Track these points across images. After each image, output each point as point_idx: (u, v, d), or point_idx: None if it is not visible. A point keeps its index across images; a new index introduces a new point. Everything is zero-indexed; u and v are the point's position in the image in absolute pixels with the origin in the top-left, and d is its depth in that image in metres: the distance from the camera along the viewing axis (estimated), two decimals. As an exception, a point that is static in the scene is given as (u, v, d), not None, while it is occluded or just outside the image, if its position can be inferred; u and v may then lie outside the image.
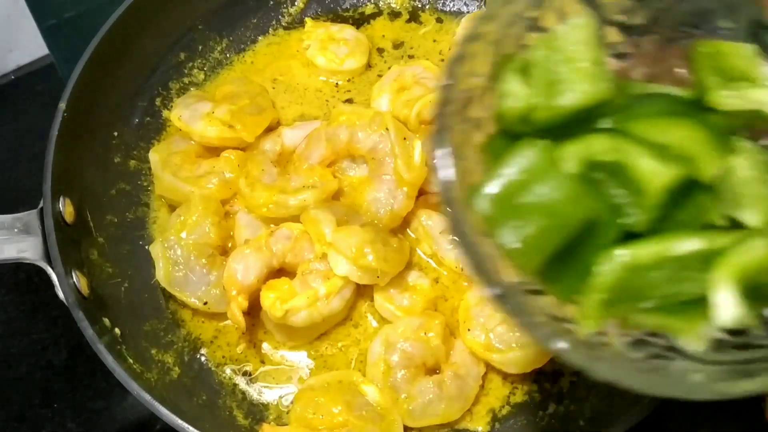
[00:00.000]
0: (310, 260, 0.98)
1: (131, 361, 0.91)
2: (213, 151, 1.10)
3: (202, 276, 0.99)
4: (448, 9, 1.31)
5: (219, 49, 1.26)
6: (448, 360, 0.96)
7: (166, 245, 0.99)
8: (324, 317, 0.96)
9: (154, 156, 1.08)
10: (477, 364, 0.96)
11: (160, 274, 0.99)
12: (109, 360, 0.86)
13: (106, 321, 0.93)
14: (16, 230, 0.94)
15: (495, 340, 0.94)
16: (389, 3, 1.31)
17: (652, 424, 0.83)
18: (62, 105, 0.99)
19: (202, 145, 1.10)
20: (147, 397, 0.84)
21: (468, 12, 1.30)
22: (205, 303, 0.99)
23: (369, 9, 1.32)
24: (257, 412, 0.98)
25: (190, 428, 0.83)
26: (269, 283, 0.97)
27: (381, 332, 0.97)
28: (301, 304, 0.94)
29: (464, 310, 0.97)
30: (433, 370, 0.96)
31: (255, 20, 1.28)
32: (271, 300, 0.94)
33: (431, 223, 1.04)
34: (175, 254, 0.99)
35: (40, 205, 0.94)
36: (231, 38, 1.27)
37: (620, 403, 0.89)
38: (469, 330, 0.95)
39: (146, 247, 1.06)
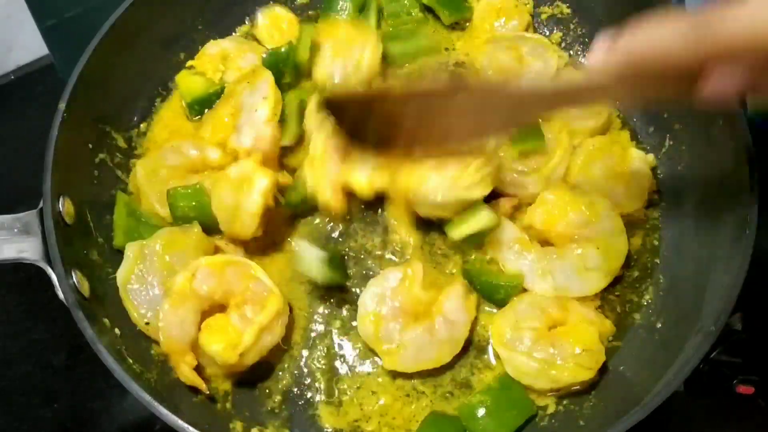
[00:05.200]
0: (239, 291, 0.95)
1: (131, 361, 0.91)
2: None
3: (156, 299, 0.96)
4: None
5: (219, 48, 1.26)
6: (438, 307, 0.97)
7: (145, 251, 0.97)
8: (269, 348, 0.95)
9: (140, 170, 1.07)
10: (466, 311, 0.98)
11: (121, 273, 0.97)
12: (109, 360, 0.86)
13: (106, 321, 0.93)
14: (15, 230, 0.93)
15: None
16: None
17: (652, 425, 0.83)
18: (62, 105, 0.99)
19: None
20: (147, 397, 0.84)
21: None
22: (147, 323, 0.96)
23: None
24: (256, 412, 0.98)
25: (190, 428, 0.83)
26: (207, 326, 0.94)
27: (368, 285, 1.00)
28: (249, 342, 0.91)
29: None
30: (423, 317, 0.97)
31: (255, 20, 1.29)
32: (221, 348, 0.91)
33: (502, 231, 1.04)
34: (147, 263, 0.97)
35: (40, 205, 0.94)
36: (231, 38, 1.27)
37: (620, 403, 0.90)
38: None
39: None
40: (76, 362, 1.15)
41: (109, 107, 1.10)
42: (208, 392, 0.95)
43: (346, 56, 1.14)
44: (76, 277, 0.92)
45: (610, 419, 0.86)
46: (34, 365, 1.16)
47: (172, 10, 1.18)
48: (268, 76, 1.08)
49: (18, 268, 1.19)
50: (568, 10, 1.26)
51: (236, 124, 1.07)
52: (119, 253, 1.04)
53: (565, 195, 1.02)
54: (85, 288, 0.93)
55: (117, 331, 0.94)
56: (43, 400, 1.13)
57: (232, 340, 0.92)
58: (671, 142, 1.11)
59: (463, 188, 1.00)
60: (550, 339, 0.95)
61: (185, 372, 0.92)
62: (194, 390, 0.95)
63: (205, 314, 0.95)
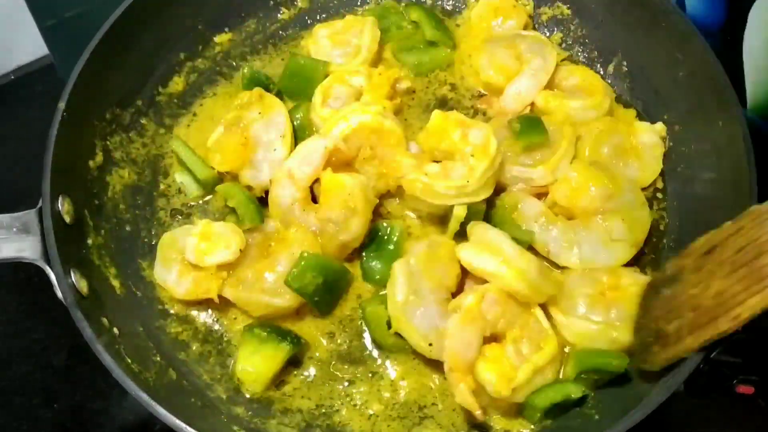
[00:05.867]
0: (519, 325, 0.93)
1: (129, 360, 0.91)
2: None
3: (431, 315, 0.94)
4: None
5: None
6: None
7: (412, 269, 0.96)
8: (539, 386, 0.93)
9: None
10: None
11: (400, 293, 0.94)
12: (107, 360, 0.86)
13: (105, 320, 0.93)
14: (15, 230, 0.93)
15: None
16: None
17: (652, 425, 0.83)
18: (62, 105, 0.99)
19: None
20: (145, 396, 0.84)
21: (465, 7, 1.30)
22: (430, 345, 0.93)
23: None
24: (255, 412, 0.98)
25: (188, 428, 0.83)
26: (482, 353, 0.91)
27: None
28: (523, 379, 0.90)
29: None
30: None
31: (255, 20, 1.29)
32: (495, 378, 0.89)
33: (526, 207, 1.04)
34: (416, 280, 0.95)
35: (39, 204, 0.94)
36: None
37: (620, 403, 0.89)
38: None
39: (144, 246, 1.06)
40: (76, 362, 1.16)
41: (108, 107, 1.10)
42: (482, 419, 0.92)
43: (344, 43, 1.17)
44: (74, 276, 0.92)
45: (610, 419, 0.86)
46: (34, 365, 1.16)
47: (171, 10, 1.18)
48: (281, 110, 1.08)
49: (18, 268, 1.20)
50: (569, 11, 1.26)
51: (251, 158, 1.06)
52: (119, 253, 1.04)
53: (587, 171, 1.03)
54: (83, 287, 0.93)
55: (116, 330, 0.94)
56: (43, 400, 1.14)
57: (506, 372, 0.90)
58: (671, 144, 1.11)
59: (469, 194, 1.00)
60: (605, 302, 0.96)
61: (464, 393, 0.89)
62: (192, 391, 0.95)
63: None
